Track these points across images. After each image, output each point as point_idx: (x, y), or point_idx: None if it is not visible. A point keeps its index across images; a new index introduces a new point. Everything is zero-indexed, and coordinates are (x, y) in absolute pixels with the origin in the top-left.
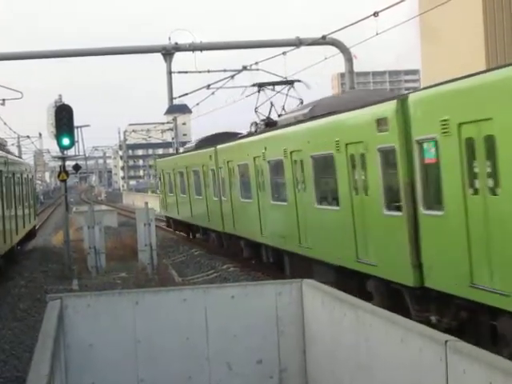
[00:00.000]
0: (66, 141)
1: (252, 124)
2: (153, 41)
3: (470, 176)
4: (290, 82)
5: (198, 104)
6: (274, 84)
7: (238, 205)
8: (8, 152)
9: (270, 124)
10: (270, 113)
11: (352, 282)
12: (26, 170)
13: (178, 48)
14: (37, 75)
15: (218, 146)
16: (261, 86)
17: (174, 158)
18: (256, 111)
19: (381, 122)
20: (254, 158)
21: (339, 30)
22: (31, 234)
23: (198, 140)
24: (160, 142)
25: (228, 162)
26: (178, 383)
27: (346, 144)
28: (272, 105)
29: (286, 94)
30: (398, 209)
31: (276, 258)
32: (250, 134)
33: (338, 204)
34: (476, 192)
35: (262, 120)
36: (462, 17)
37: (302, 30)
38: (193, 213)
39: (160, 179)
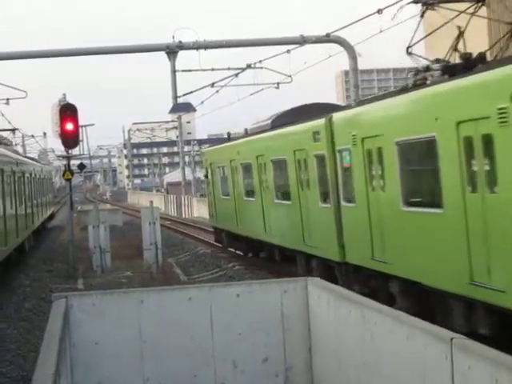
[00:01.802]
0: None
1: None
2: (156, 39)
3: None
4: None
5: (202, 102)
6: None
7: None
8: (36, 160)
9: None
10: None
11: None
12: (49, 172)
13: (181, 46)
14: (41, 74)
15: (335, 115)
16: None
17: (234, 145)
18: None
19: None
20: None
21: (343, 27)
22: (52, 216)
23: (276, 115)
24: (164, 140)
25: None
26: (183, 381)
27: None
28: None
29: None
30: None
31: None
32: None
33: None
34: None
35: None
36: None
37: (306, 27)
38: (269, 226)
39: (207, 176)
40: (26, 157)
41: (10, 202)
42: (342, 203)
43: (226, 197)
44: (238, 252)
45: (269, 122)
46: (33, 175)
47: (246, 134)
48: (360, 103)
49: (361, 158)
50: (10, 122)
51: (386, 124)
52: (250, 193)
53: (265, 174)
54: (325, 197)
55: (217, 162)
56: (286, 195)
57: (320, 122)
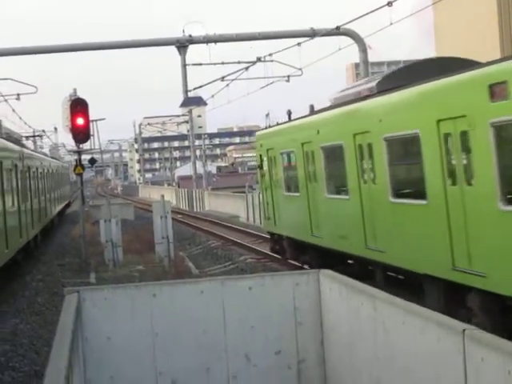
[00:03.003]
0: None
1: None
2: (167, 34)
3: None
4: None
5: (212, 96)
6: None
7: None
8: (54, 157)
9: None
10: None
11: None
12: (66, 168)
13: (191, 40)
14: (51, 69)
15: None
16: None
17: (311, 123)
18: None
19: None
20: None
21: (353, 20)
22: (68, 204)
23: (382, 77)
24: (175, 134)
25: None
26: (196, 375)
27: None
28: None
29: None
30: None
31: None
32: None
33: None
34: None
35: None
36: (476, 8)
37: (316, 20)
38: (377, 238)
39: (261, 166)
40: (50, 156)
41: (45, 191)
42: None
43: (294, 194)
44: (305, 267)
45: (372, 84)
46: (55, 171)
47: (328, 107)
48: None
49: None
50: (21, 118)
51: None
52: (338, 188)
53: (370, 160)
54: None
55: (278, 148)
56: (417, 193)
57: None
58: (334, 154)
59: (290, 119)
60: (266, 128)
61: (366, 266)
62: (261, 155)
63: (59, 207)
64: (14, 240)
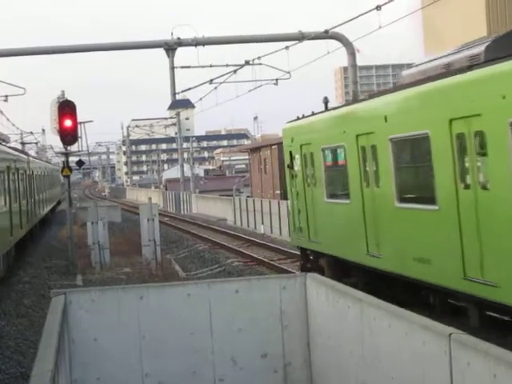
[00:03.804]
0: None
1: None
2: (155, 36)
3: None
4: None
5: (201, 99)
6: None
7: None
8: (48, 162)
9: None
10: None
11: None
12: (57, 170)
13: (180, 43)
14: (39, 71)
15: None
16: None
17: (371, 108)
18: None
19: None
20: None
21: (342, 24)
22: (59, 203)
23: (491, 40)
24: (163, 137)
25: None
26: (182, 378)
27: None
28: None
29: None
30: None
31: None
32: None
33: None
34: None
35: None
36: (465, 10)
37: (305, 24)
38: (481, 263)
39: (291, 166)
40: (43, 160)
41: (38, 191)
42: None
43: (341, 201)
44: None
45: (480, 49)
46: (48, 173)
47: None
48: None
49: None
50: (8, 119)
51: None
52: (419, 196)
53: (483, 156)
54: None
55: (319, 142)
56: None
57: None
58: (413, 149)
59: (326, 108)
60: (297, 119)
61: (450, 299)
62: (291, 152)
63: (53, 204)
64: (28, 220)
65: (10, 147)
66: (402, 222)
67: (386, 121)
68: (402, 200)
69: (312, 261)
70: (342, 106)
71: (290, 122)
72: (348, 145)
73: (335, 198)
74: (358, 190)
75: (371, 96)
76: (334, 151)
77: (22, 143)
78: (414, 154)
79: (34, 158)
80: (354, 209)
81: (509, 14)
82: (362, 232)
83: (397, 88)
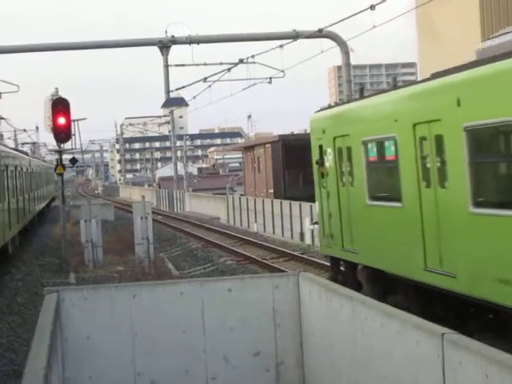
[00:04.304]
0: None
1: None
2: (149, 34)
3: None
4: None
5: (194, 97)
6: None
7: None
8: (44, 161)
9: None
10: None
11: None
12: (52, 168)
13: (174, 41)
14: (33, 69)
15: None
16: None
17: (425, 91)
18: None
19: None
20: None
21: (336, 23)
22: (53, 199)
23: None
24: (157, 135)
25: None
26: (175, 376)
27: None
28: None
29: None
30: None
31: None
32: None
33: None
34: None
35: None
36: (459, 10)
37: (299, 22)
38: None
39: (320, 162)
40: (40, 159)
41: (38, 186)
42: None
43: (390, 203)
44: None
45: None
46: (45, 171)
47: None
48: None
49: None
50: (2, 117)
51: None
52: (498, 200)
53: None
54: None
55: (359, 134)
56: None
57: None
58: (499, 139)
59: (362, 95)
60: (329, 107)
61: None
62: (321, 146)
63: (49, 199)
64: (30, 210)
65: (14, 149)
66: (479, 231)
67: (458, 104)
68: (480, 204)
69: (345, 273)
70: (393, 89)
71: (320, 110)
72: (401, 136)
73: (380, 200)
74: (413, 190)
75: (435, 75)
76: (381, 144)
77: (16, 141)
78: (497, 147)
79: (33, 157)
80: (407, 213)
81: (502, 12)
82: (418, 242)
83: (472, 64)
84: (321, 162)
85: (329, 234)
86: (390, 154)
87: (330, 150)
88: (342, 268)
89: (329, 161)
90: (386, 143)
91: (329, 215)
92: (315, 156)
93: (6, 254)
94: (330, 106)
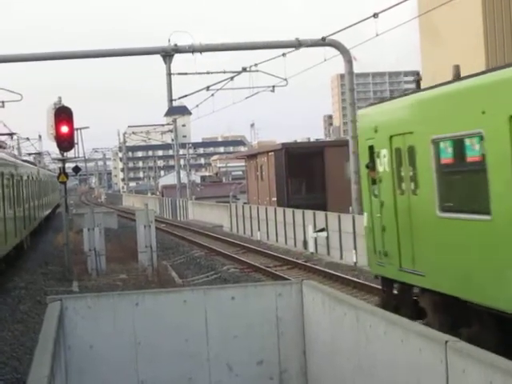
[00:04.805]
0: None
1: None
2: (152, 43)
3: None
4: None
5: (197, 106)
6: None
7: None
8: (49, 170)
9: None
10: None
11: None
12: (55, 177)
13: (177, 50)
14: (36, 77)
15: None
16: None
17: None
18: None
19: None
20: None
21: (339, 31)
22: (58, 205)
23: None
24: (160, 143)
25: None
26: None
27: None
28: None
29: None
30: None
31: None
32: None
33: None
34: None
35: None
36: (462, 17)
37: (302, 31)
38: None
39: (371, 166)
40: (45, 168)
41: (46, 193)
42: None
43: (470, 216)
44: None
45: None
46: (50, 180)
47: None
48: None
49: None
50: (5, 125)
51: None
52: None
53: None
54: None
55: (426, 131)
56: None
57: None
58: None
59: (418, 87)
60: (381, 101)
61: None
62: (372, 147)
63: (55, 204)
64: (42, 213)
65: (24, 160)
66: None
67: None
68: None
69: (399, 297)
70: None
71: (371, 105)
72: (490, 132)
73: (458, 211)
74: (508, 200)
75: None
76: (459, 143)
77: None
78: None
79: (41, 167)
80: (499, 229)
81: (505, 14)
82: None
83: None
84: (372, 166)
85: (381, 251)
86: (473, 155)
87: (384, 152)
88: (395, 291)
89: (383, 164)
90: (468, 141)
91: (382, 229)
92: (364, 158)
93: (22, 249)
94: (382, 100)
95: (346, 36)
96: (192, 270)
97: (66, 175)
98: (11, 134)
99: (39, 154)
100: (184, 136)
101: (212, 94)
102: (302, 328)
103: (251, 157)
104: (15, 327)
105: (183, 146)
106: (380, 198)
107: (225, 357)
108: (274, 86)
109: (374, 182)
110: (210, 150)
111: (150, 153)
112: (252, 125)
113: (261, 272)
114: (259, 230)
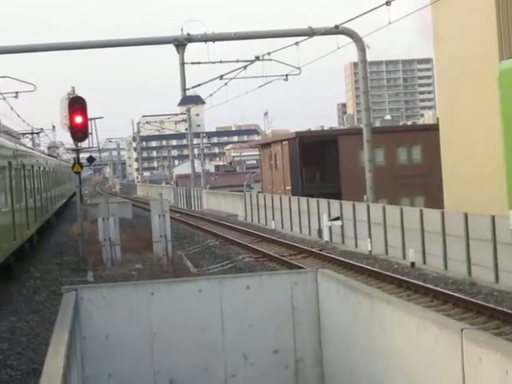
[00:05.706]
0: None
1: None
2: (165, 32)
3: None
4: None
5: (211, 95)
6: None
7: None
8: (61, 160)
9: None
10: None
11: None
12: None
13: (190, 39)
14: (50, 68)
15: None
16: None
17: None
18: None
19: None
20: None
21: (352, 19)
22: (74, 194)
23: None
24: (173, 133)
25: None
26: (193, 374)
27: None
28: None
29: None
30: None
31: None
32: None
33: None
34: None
35: None
36: (475, 4)
37: (315, 19)
38: None
39: None
40: (60, 158)
41: (65, 181)
42: None
43: None
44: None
45: None
46: (68, 170)
47: None
48: None
49: None
50: (19, 116)
51: None
52: None
53: None
54: None
55: None
56: None
57: None
58: None
59: None
60: None
61: None
62: None
63: (72, 191)
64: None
65: (42, 152)
66: None
67: None
68: None
69: None
70: None
71: None
72: None
73: None
74: None
75: None
76: None
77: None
78: None
79: (62, 160)
80: None
81: None
82: None
83: None
84: None
85: None
86: None
87: None
88: None
89: None
90: None
91: None
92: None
93: (42, 234)
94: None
95: (359, 24)
96: (207, 259)
97: (81, 165)
98: (38, 133)
99: (55, 146)
100: (198, 125)
101: (225, 83)
102: (317, 317)
103: (265, 146)
104: (31, 317)
105: (197, 135)
106: None
107: (240, 346)
108: (287, 75)
109: None
110: (224, 139)
111: (164, 142)
112: (266, 114)
113: (275, 261)
114: (274, 219)
